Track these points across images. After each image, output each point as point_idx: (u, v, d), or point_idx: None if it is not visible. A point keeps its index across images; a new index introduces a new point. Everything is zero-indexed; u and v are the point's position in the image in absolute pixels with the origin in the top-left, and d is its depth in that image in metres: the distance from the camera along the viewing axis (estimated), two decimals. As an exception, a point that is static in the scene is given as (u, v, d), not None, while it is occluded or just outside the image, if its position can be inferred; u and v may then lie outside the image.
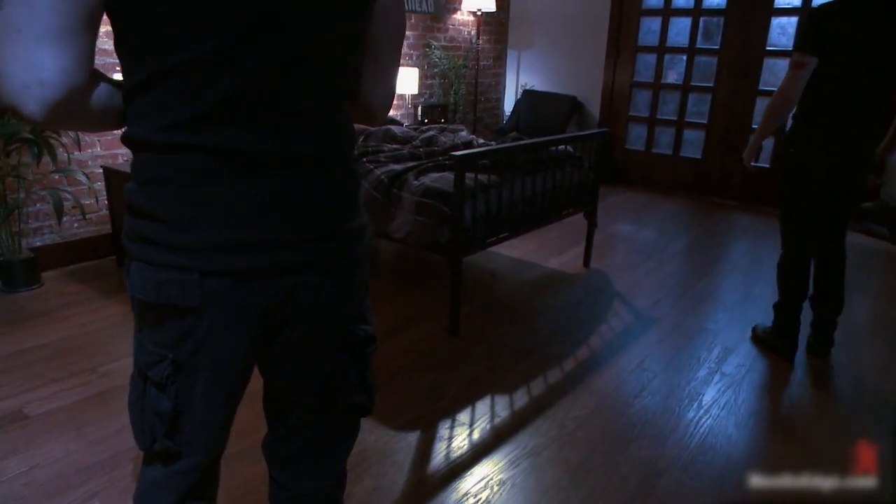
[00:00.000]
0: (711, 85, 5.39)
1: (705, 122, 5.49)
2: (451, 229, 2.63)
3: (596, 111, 6.09)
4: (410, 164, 2.99)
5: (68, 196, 3.20)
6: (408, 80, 5.07)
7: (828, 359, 2.70)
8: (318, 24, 0.87)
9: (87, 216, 3.55)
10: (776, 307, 2.73)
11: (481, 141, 3.59)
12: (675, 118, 5.68)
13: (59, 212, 3.03)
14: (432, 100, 5.74)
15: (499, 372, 2.52)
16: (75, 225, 3.55)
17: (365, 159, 3.07)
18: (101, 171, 3.48)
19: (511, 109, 6.33)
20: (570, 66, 6.14)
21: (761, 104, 5.17)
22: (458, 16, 5.81)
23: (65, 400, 2.23)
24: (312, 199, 0.95)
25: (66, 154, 3.38)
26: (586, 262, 3.78)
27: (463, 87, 5.91)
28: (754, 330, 2.89)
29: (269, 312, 0.97)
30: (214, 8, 0.80)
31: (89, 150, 3.51)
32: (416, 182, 2.76)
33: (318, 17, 0.87)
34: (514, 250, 3.98)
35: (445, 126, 3.90)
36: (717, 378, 2.53)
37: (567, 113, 5.92)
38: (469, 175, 2.69)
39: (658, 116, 5.78)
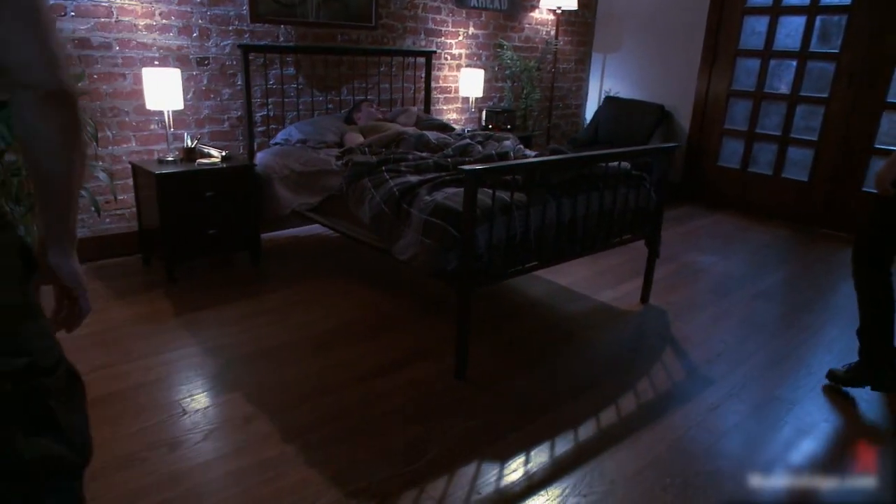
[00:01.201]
0: (825, 96, 4.60)
1: (815, 139, 4.70)
2: (459, 256, 2.25)
3: (686, 122, 5.43)
4: (429, 175, 2.63)
5: (82, 193, 3.11)
6: (472, 82, 4.71)
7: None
8: None
9: (118, 212, 3.50)
10: (860, 333, 2.37)
11: (527, 152, 3.17)
12: (778, 133, 4.92)
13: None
14: (502, 104, 5.34)
15: (498, 430, 2.10)
16: (107, 220, 3.50)
17: (383, 168, 2.75)
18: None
19: (593, 117, 5.80)
20: (660, 72, 5.52)
21: (888, 119, 4.34)
22: (535, 14, 5.38)
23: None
24: None
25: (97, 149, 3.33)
26: (644, 298, 3.25)
27: (538, 91, 5.47)
28: (831, 375, 2.48)
29: None
30: None
31: (125, 145, 3.44)
32: (427, 197, 2.40)
33: None
34: (564, 276, 3.51)
35: (491, 133, 3.50)
36: (778, 473, 1.97)
37: (652, 123, 5.32)
38: (489, 192, 2.30)
39: (758, 130, 5.04)
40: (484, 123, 5.04)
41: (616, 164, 2.78)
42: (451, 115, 5.02)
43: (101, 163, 3.37)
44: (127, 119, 3.41)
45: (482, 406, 2.25)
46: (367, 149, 3.10)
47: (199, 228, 3.24)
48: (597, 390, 2.39)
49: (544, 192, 2.49)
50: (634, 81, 5.71)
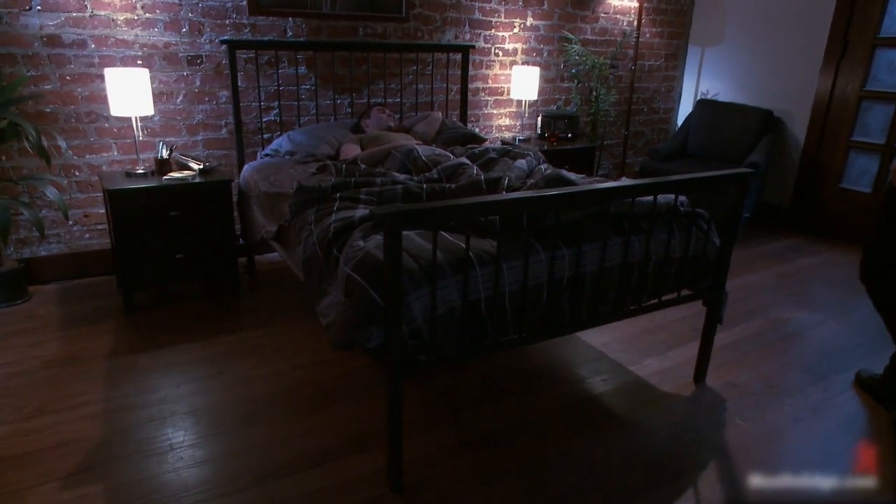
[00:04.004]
0: None
1: (983, 158, 3.50)
2: (383, 332, 1.60)
3: (801, 132, 4.34)
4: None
5: (22, 210, 2.78)
6: (525, 83, 3.98)
7: None
8: None
9: (100, 226, 3.17)
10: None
11: (543, 172, 2.42)
12: (929, 149, 3.74)
13: (5, 229, 2.62)
14: (569, 108, 4.55)
15: None
16: (87, 236, 3.19)
17: (338, 195, 2.14)
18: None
19: (682, 125, 4.83)
20: (771, 68, 4.46)
21: None
22: (613, 1, 4.52)
23: None
24: None
25: (63, 158, 3.01)
26: (698, 376, 2.40)
27: (613, 93, 4.61)
28: (858, 376, 2.40)
29: None
30: None
31: (104, 154, 3.10)
32: (359, 242, 1.76)
33: None
34: (601, 332, 2.72)
35: (510, 149, 2.77)
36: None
37: (756, 132, 4.29)
38: (443, 240, 1.63)
39: (900, 145, 3.88)
40: (540, 131, 4.29)
41: (650, 198, 1.98)
42: (502, 120, 4.32)
43: (77, 174, 3.06)
44: (106, 125, 3.07)
45: (405, 545, 1.59)
46: (343, 167, 2.51)
47: (163, 251, 2.82)
48: (582, 534, 1.64)
49: (529, 240, 1.77)
50: (737, 81, 4.68)
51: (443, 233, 1.78)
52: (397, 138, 2.96)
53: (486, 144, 3.15)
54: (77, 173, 3.07)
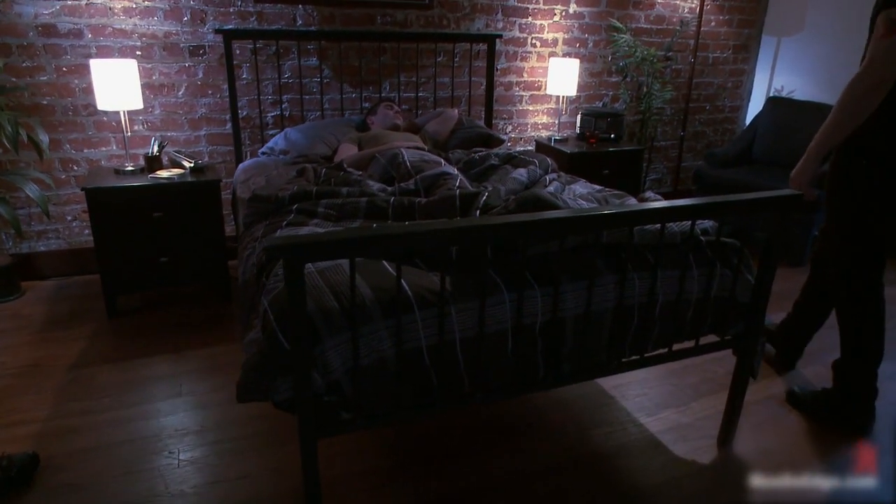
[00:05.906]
0: None
1: None
2: (292, 384, 1.32)
3: (891, 138, 3.70)
4: (338, 226, 1.71)
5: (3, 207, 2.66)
6: (562, 76, 3.58)
7: None
8: None
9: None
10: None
11: (549, 190, 2.05)
12: None
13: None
14: (617, 105, 4.10)
15: None
16: (86, 231, 3.10)
17: (294, 206, 1.87)
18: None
19: (748, 126, 4.27)
20: (859, 63, 3.82)
21: None
22: (673, -14, 4.02)
23: None
24: None
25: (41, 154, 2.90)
26: (723, 438, 1.98)
27: (669, 89, 4.12)
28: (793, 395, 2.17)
29: None
30: None
31: (103, 148, 2.99)
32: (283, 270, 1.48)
33: None
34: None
35: (515, 155, 2.41)
36: None
37: (835, 137, 3.68)
38: (378, 273, 1.33)
39: None
40: (579, 131, 3.87)
41: (659, 226, 1.60)
42: (539, 118, 3.93)
43: (75, 168, 2.95)
44: (105, 119, 2.94)
45: None
46: (324, 171, 2.24)
47: (146, 254, 2.66)
48: None
49: (489, 275, 1.44)
50: (817, 76, 4.07)
51: (385, 263, 1.47)
52: (397, 138, 2.66)
53: (500, 149, 2.80)
54: (75, 168, 2.97)
